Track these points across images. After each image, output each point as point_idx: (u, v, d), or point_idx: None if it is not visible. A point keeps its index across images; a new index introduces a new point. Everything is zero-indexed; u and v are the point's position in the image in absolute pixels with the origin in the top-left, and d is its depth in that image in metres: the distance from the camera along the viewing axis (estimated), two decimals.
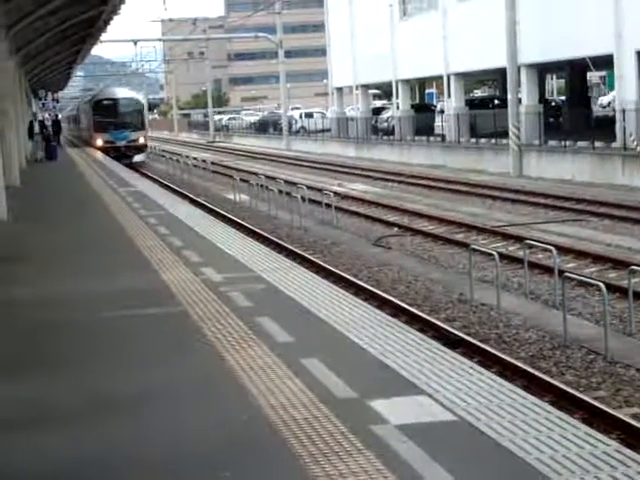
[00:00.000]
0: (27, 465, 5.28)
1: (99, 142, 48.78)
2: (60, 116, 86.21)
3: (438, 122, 48.27)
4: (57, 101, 70.24)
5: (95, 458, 5.31)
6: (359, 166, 45.06)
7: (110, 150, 46.83)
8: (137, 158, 48.57)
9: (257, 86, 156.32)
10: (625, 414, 9.24)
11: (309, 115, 74.95)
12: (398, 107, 53.19)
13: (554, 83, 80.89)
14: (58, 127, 52.83)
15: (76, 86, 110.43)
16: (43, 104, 57.52)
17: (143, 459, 5.26)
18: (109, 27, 35.91)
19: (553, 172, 34.09)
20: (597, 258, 17.51)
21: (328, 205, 24.76)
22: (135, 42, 65.51)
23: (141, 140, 49.28)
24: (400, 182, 36.07)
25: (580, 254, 17.95)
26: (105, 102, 49.77)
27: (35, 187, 25.79)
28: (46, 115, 59.88)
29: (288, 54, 76.45)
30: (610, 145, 32.72)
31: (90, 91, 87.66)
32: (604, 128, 34.24)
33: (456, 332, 12.60)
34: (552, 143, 36.01)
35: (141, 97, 56.34)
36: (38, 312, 9.51)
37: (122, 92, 53.19)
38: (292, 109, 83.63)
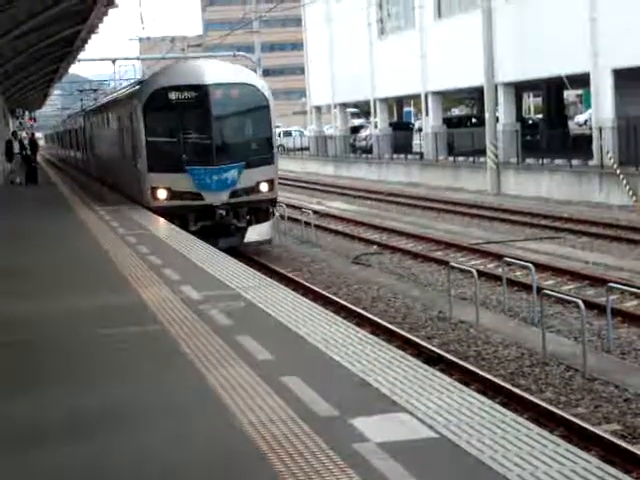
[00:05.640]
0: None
1: (160, 195, 21.47)
2: (40, 135, 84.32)
3: (416, 140, 48.51)
4: (35, 120, 69.97)
5: (80, 470, 5.28)
6: (338, 184, 45.15)
7: (189, 214, 21.16)
8: (254, 233, 21.82)
9: None
10: (604, 431, 9.27)
11: (288, 133, 75.08)
12: (376, 125, 53.39)
13: (531, 101, 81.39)
14: (35, 146, 48.62)
15: (53, 105, 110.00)
16: (20, 123, 57.13)
17: (122, 475, 5.23)
18: (87, 46, 35.89)
19: (531, 190, 34.28)
20: (575, 275, 17.60)
21: (307, 223, 24.79)
22: (113, 61, 65.50)
23: (264, 188, 21.79)
24: (379, 200, 36.15)
25: (558, 271, 18.04)
26: (176, 95, 21.50)
27: (14, 210, 25.51)
28: (23, 134, 53.75)
29: (266, 73, 76.68)
30: (587, 163, 32.96)
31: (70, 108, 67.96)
32: (581, 146, 34.53)
33: (435, 349, 12.62)
34: (530, 161, 36.25)
35: (262, 81, 23.78)
36: (12, 331, 9.44)
37: (219, 71, 22.51)
38: None
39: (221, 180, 21.07)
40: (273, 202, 22.40)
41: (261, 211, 21.96)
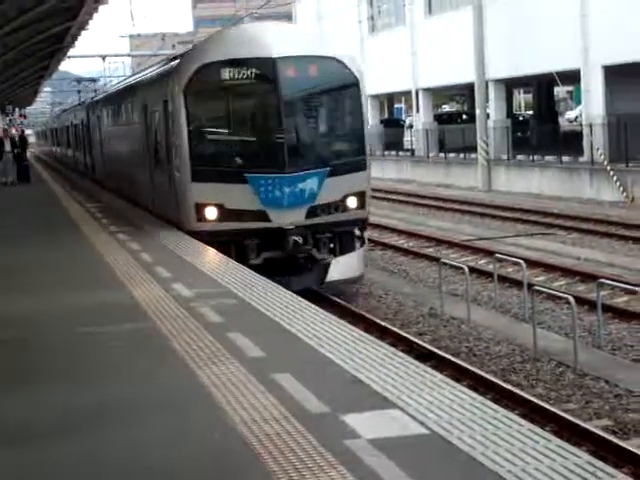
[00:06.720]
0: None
1: (209, 214, 15.30)
2: (30, 131, 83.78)
3: (407, 137, 48.52)
4: (24, 117, 69.74)
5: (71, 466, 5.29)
6: None
7: (250, 242, 15.11)
8: (340, 268, 15.75)
9: None
10: (595, 426, 9.30)
11: None
12: (367, 122, 53.32)
13: (522, 98, 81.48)
14: (24, 144, 47.44)
15: (44, 101, 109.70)
16: (10, 120, 56.92)
17: (115, 475, 5.23)
18: (77, 42, 35.80)
19: (521, 186, 34.33)
20: (565, 271, 17.65)
21: None
22: (103, 57, 65.26)
23: (352, 204, 15.89)
24: (370, 197, 36.15)
25: (549, 267, 18.08)
26: (231, 73, 15.18)
27: (7, 210, 25.27)
28: (13, 131, 52.77)
29: None
30: (578, 159, 33.03)
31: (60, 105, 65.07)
32: (571, 142, 34.58)
33: (427, 346, 12.64)
34: (520, 157, 36.31)
35: (350, 54, 18.78)
36: (7, 330, 9.43)
37: (291, 39, 16.29)
38: None
39: (295, 193, 15.08)
40: (364, 224, 16.30)
41: (348, 236, 15.88)
